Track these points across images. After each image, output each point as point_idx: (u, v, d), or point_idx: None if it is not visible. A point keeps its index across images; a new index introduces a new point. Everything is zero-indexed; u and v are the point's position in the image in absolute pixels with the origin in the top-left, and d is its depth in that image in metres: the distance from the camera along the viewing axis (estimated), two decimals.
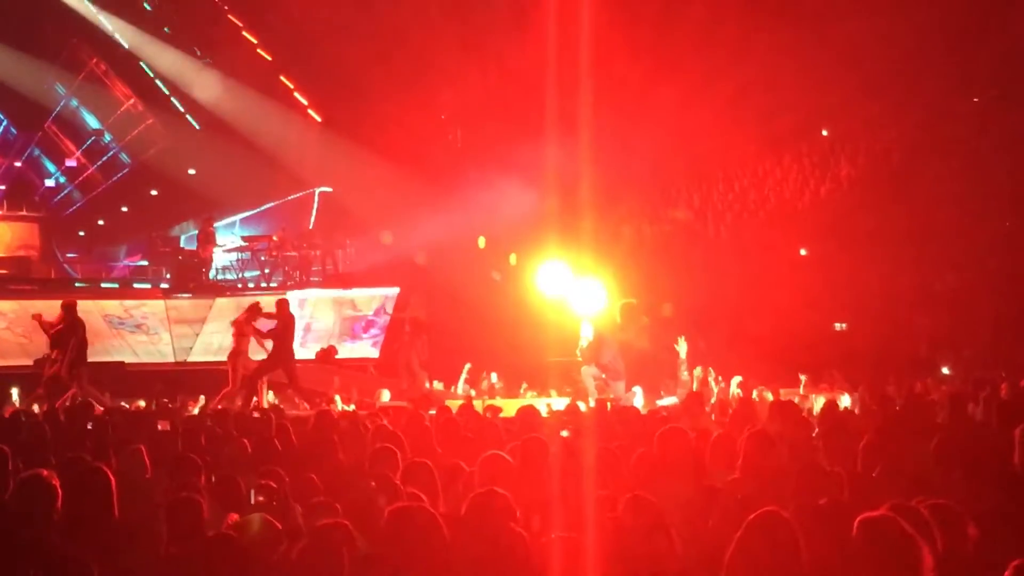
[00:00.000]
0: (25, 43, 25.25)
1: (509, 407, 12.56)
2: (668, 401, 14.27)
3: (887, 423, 9.03)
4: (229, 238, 25.77)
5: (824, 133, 25.09)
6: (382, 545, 4.79)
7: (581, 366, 15.52)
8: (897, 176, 23.05)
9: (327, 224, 25.78)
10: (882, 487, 6.07)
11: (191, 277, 22.82)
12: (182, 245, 25.25)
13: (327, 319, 21.64)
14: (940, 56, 21.53)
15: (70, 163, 28.82)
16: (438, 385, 18.90)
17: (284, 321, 16.68)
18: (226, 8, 25.55)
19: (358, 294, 21.93)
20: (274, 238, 24.05)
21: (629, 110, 21.94)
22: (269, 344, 16.68)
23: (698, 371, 14.97)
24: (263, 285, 22.89)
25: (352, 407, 15.25)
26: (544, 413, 11.08)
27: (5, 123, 28.20)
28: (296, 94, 26.84)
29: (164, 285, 22.98)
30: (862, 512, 4.13)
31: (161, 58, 26.16)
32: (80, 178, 28.93)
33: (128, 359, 20.45)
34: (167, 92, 26.96)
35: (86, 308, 17.73)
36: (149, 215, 27.57)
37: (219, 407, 15.11)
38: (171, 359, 20.98)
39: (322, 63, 24.74)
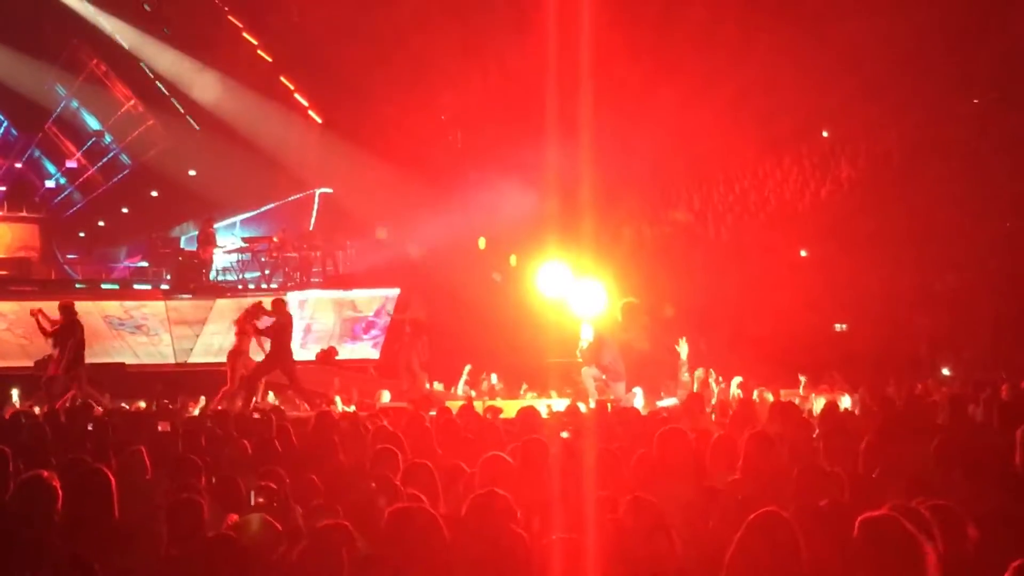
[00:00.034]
0: (26, 44, 25.26)
1: (509, 408, 12.56)
2: (668, 402, 14.26)
3: (887, 424, 9.02)
4: (229, 239, 25.77)
5: (824, 134, 25.08)
6: (382, 546, 4.79)
7: (581, 367, 15.52)
8: (897, 177, 23.05)
9: (327, 225, 25.77)
10: (882, 488, 6.07)
11: (191, 278, 22.81)
12: (182, 246, 25.25)
13: (327, 320, 21.64)
14: (940, 57, 21.53)
15: (70, 164, 28.82)
16: (438, 386, 18.90)
17: (281, 320, 16.68)
18: (226, 9, 25.55)
19: (358, 295, 21.93)
20: (274, 239, 24.04)
21: (629, 111, 21.93)
22: (268, 344, 16.69)
23: (699, 372, 14.97)
24: (263, 286, 22.88)
25: (352, 408, 15.24)
26: (544, 414, 11.08)
27: (5, 124, 28.21)
28: (296, 95, 26.84)
29: (164, 286, 22.97)
30: (862, 513, 4.12)
31: (161, 59, 26.16)
32: (80, 179, 28.92)
33: (128, 360, 20.46)
34: (167, 93, 26.96)
35: (86, 309, 17.77)
36: (149, 216, 27.57)
37: (219, 408, 15.13)
38: (171, 360, 20.98)
39: (323, 64, 24.75)
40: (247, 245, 24.75)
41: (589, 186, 19.62)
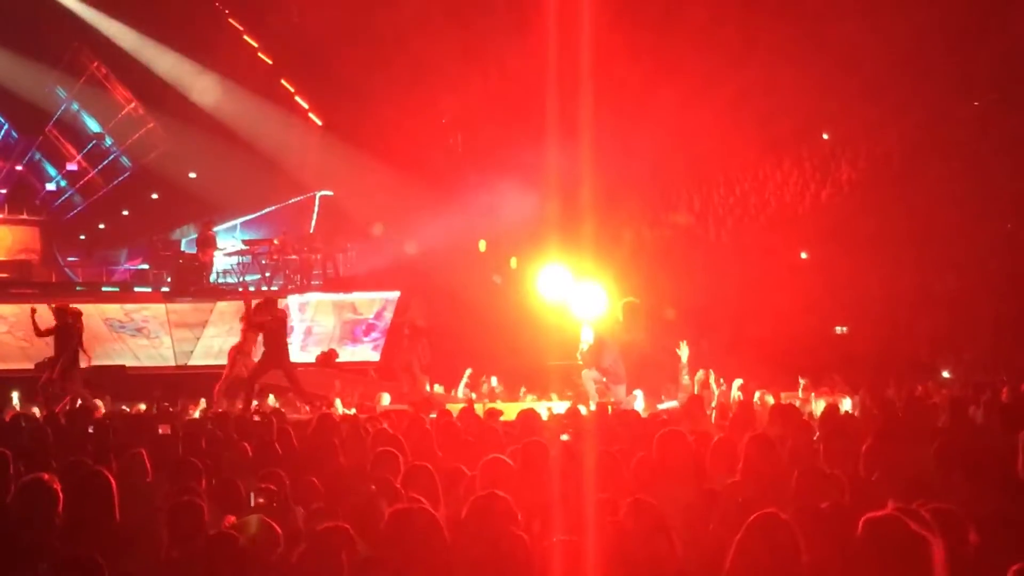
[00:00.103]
0: (26, 47, 25.28)
1: (510, 411, 12.56)
2: (669, 405, 14.26)
3: (888, 426, 9.02)
4: (230, 242, 25.79)
5: (825, 136, 25.08)
6: (382, 547, 4.79)
7: (582, 370, 15.51)
8: (898, 179, 23.05)
9: (328, 228, 25.78)
10: (883, 490, 6.07)
11: (192, 281, 22.81)
12: (183, 249, 25.25)
13: (328, 323, 21.64)
14: (940, 59, 21.53)
15: (71, 167, 28.84)
16: (439, 389, 18.91)
17: (276, 321, 16.67)
18: (227, 12, 25.56)
19: (359, 298, 21.93)
20: (275, 242, 24.06)
21: (629, 113, 21.94)
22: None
23: (699, 374, 14.96)
24: (264, 289, 22.88)
25: (353, 411, 15.24)
26: (545, 417, 11.08)
27: (6, 127, 28.23)
28: (297, 98, 26.86)
29: (165, 289, 22.99)
30: (863, 515, 4.12)
31: (162, 61, 26.17)
32: (81, 182, 28.95)
33: (129, 363, 20.46)
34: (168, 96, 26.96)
35: (87, 312, 17.76)
36: (150, 219, 27.60)
37: (218, 410, 15.13)
38: (172, 363, 20.99)
39: (323, 67, 24.77)
40: (247, 248, 24.77)
41: (589, 188, 19.63)
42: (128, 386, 18.34)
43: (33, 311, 17.25)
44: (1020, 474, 6.50)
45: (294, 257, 23.86)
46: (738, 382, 14.27)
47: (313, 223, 26.53)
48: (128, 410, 15.93)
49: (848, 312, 22.20)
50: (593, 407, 13.68)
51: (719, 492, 6.04)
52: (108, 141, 28.27)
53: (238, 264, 24.59)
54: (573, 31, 18.03)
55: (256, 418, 12.43)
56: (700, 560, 4.93)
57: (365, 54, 23.21)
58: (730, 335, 19.65)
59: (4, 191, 28.00)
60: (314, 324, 21.49)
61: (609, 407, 13.51)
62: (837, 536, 4.42)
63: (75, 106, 27.80)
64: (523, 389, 18.77)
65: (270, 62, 26.11)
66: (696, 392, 13.73)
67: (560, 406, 14.26)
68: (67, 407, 14.88)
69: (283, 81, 26.55)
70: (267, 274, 23.82)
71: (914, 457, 6.94)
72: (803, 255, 23.64)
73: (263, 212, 27.22)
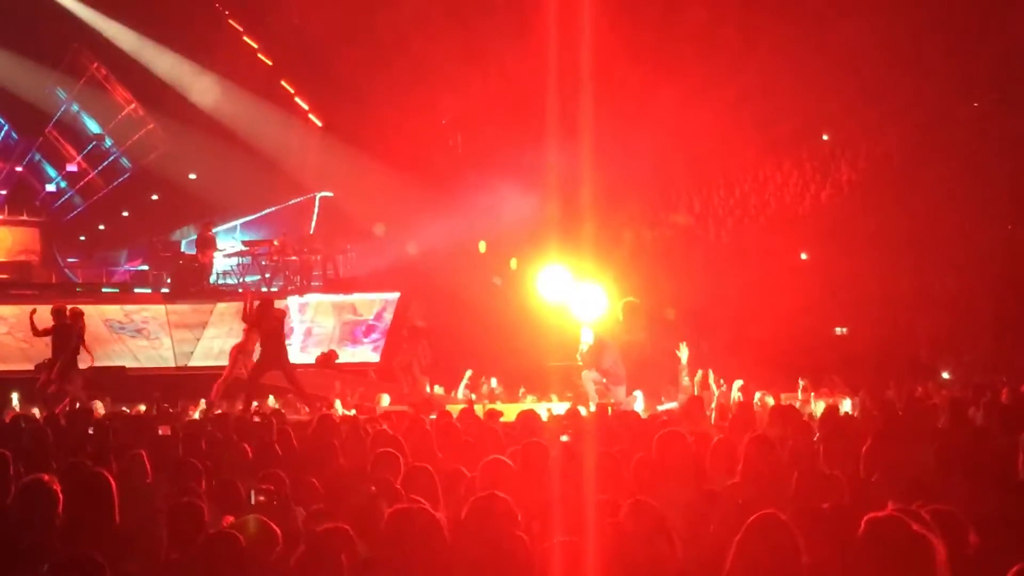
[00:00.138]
0: (26, 48, 25.27)
1: (510, 411, 12.57)
2: (669, 406, 14.26)
3: (888, 427, 9.03)
4: (230, 242, 25.78)
5: (824, 138, 25.10)
6: (382, 547, 4.79)
7: (582, 371, 15.52)
8: (897, 180, 23.06)
9: (328, 229, 25.77)
10: (883, 491, 6.07)
11: (192, 282, 22.80)
12: (183, 250, 25.23)
13: (327, 324, 21.65)
14: (940, 60, 21.54)
15: (71, 168, 28.83)
16: (439, 390, 18.91)
17: (274, 320, 16.67)
18: (227, 13, 25.56)
19: (359, 298, 21.93)
20: (275, 243, 24.05)
21: (630, 114, 21.94)
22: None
23: (699, 375, 14.96)
24: (264, 290, 22.89)
25: (353, 412, 15.25)
26: (544, 418, 11.08)
27: (6, 128, 28.22)
28: (297, 99, 26.85)
29: (165, 290, 22.98)
30: (863, 516, 4.12)
31: (161, 62, 26.17)
32: (81, 183, 28.92)
33: (129, 364, 20.43)
34: (168, 97, 26.96)
35: (87, 313, 17.75)
36: (150, 220, 27.59)
37: (217, 411, 15.13)
38: (172, 364, 20.98)
39: (323, 68, 24.76)
40: (247, 249, 24.76)
41: (589, 189, 19.64)
42: (128, 387, 18.32)
43: (33, 312, 17.29)
44: (1020, 475, 6.50)
45: (294, 258, 23.86)
46: (738, 383, 14.27)
47: (313, 224, 26.53)
48: (128, 411, 15.92)
49: (848, 313, 22.20)
50: (593, 408, 13.69)
51: (719, 493, 6.04)
52: (108, 142, 28.26)
53: (238, 265, 24.58)
54: (573, 32, 18.05)
55: (256, 419, 12.43)
56: (700, 561, 4.93)
57: (365, 55, 23.21)
58: (730, 336, 19.66)
59: (4, 192, 27.99)
60: (314, 325, 21.49)
61: (609, 408, 13.52)
62: (837, 537, 4.42)
63: (75, 107, 27.79)
64: (522, 389, 18.78)
65: (270, 63, 26.11)
66: (696, 393, 13.74)
67: (560, 407, 14.26)
68: (67, 408, 14.88)
69: (283, 82, 26.54)
70: (267, 275, 23.81)
71: (914, 458, 6.95)
72: (803, 256, 23.65)
73: (263, 213, 27.21)
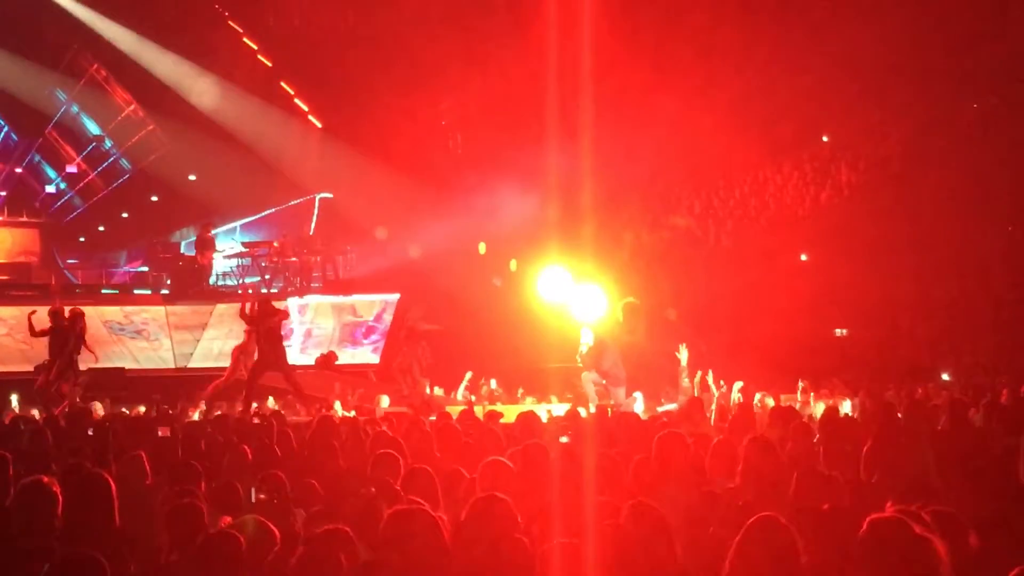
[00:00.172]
0: (26, 49, 25.26)
1: (510, 413, 12.56)
2: (669, 407, 14.25)
3: (887, 429, 9.03)
4: (229, 244, 25.78)
5: (824, 139, 25.11)
6: (382, 549, 4.79)
7: (581, 372, 15.51)
8: (897, 182, 23.07)
9: (328, 230, 25.77)
10: (883, 492, 6.07)
11: (191, 283, 22.80)
12: (182, 251, 25.23)
13: (327, 325, 21.65)
14: (940, 62, 21.55)
15: (71, 169, 28.82)
16: (439, 391, 18.91)
17: (271, 321, 16.67)
18: (227, 14, 25.56)
19: (359, 300, 21.94)
20: (275, 244, 24.03)
21: (630, 116, 21.95)
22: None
23: (699, 376, 14.95)
24: (264, 291, 22.88)
25: (352, 413, 15.25)
26: (544, 419, 11.08)
27: (6, 129, 28.22)
28: (296, 100, 26.84)
29: (164, 291, 22.98)
30: (863, 518, 4.12)
31: (161, 64, 26.16)
32: (81, 184, 28.92)
33: (128, 365, 20.43)
34: (168, 99, 26.96)
35: (87, 314, 17.74)
36: (150, 221, 27.59)
37: (216, 412, 15.13)
38: (171, 365, 20.98)
39: (323, 69, 24.76)
40: (247, 250, 24.76)
41: (589, 190, 19.64)
42: (127, 389, 18.34)
43: (32, 313, 17.29)
44: (1021, 477, 6.51)
45: (294, 259, 23.85)
46: (738, 384, 14.26)
47: (313, 225, 26.52)
48: (127, 413, 15.92)
49: (848, 314, 22.21)
50: (593, 409, 13.68)
51: (719, 494, 6.03)
52: (108, 143, 28.25)
53: (238, 266, 24.58)
54: (572, 34, 18.04)
55: (256, 421, 12.43)
56: (700, 563, 4.93)
57: (365, 56, 23.21)
58: (730, 337, 19.63)
59: (4, 193, 27.99)
60: (314, 326, 21.49)
61: (609, 409, 13.51)
62: (837, 538, 4.42)
63: (75, 108, 27.78)
64: (520, 390, 18.78)
65: (270, 64, 26.10)
66: (696, 394, 13.73)
67: (560, 408, 14.25)
68: (66, 410, 14.87)
69: (283, 83, 26.53)
70: (267, 276, 23.81)
71: (914, 459, 6.95)
72: (803, 257, 23.66)
73: (263, 214, 27.22)
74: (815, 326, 21.37)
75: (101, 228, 29.29)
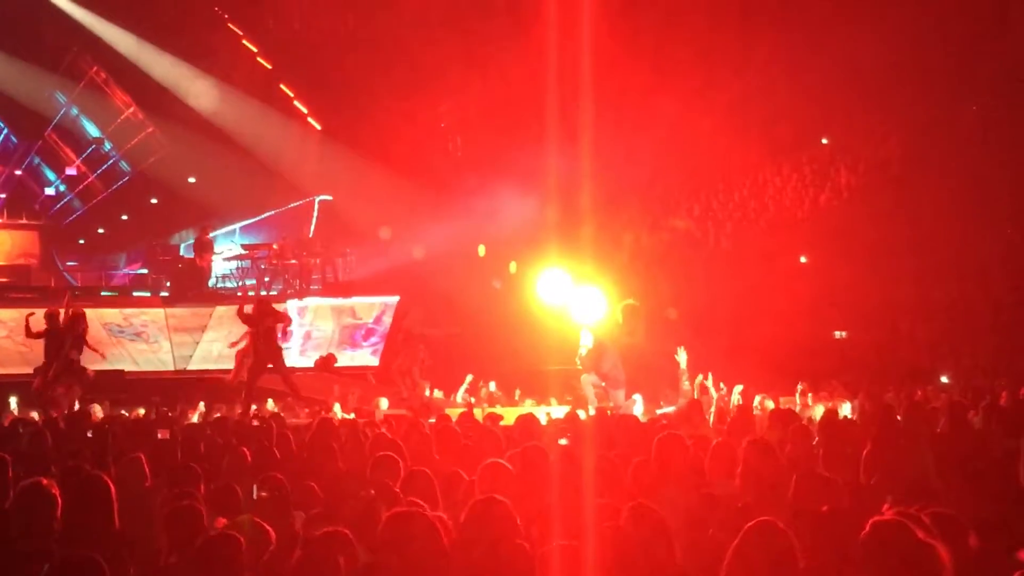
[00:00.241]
0: (26, 51, 25.27)
1: (509, 415, 12.55)
2: (668, 409, 14.24)
3: (887, 431, 9.03)
4: (229, 246, 25.78)
5: (824, 142, 25.12)
6: (381, 551, 4.78)
7: (581, 374, 15.49)
8: (897, 184, 23.08)
9: (327, 232, 25.78)
10: (882, 495, 6.07)
11: (191, 285, 22.79)
12: (182, 253, 25.23)
13: (327, 327, 21.64)
14: (940, 65, 21.56)
15: (70, 171, 28.85)
16: (438, 394, 18.90)
17: (269, 322, 16.67)
18: (226, 17, 25.57)
19: (358, 302, 21.93)
20: (274, 246, 24.05)
21: (629, 118, 21.96)
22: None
23: (699, 379, 14.94)
24: (263, 293, 22.88)
25: (352, 415, 15.25)
26: (544, 421, 11.07)
27: (5, 131, 28.23)
28: (296, 102, 26.85)
29: (164, 293, 22.98)
30: (863, 520, 4.11)
31: (160, 66, 26.17)
32: (80, 186, 28.94)
33: (128, 367, 20.43)
34: (167, 101, 26.97)
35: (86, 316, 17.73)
36: (149, 223, 27.60)
37: (217, 415, 15.13)
38: (171, 367, 20.97)
39: (322, 72, 24.77)
40: (247, 252, 24.77)
41: (589, 193, 19.64)
42: (127, 391, 18.33)
43: (30, 314, 17.25)
44: (1021, 479, 6.51)
45: (293, 261, 23.86)
46: (738, 387, 14.26)
47: (312, 227, 26.53)
48: (127, 415, 15.91)
49: (847, 317, 22.22)
50: (592, 411, 13.67)
51: (718, 497, 6.03)
52: (107, 146, 28.26)
53: (237, 268, 24.59)
54: (572, 36, 18.04)
55: (255, 423, 12.43)
56: (700, 565, 4.93)
57: (364, 59, 23.23)
58: (729, 339, 19.64)
59: (3, 196, 28.00)
60: (313, 328, 21.48)
61: (608, 411, 13.50)
62: (836, 540, 4.42)
63: (74, 111, 27.79)
64: (518, 392, 18.78)
65: (269, 67, 26.11)
66: (695, 397, 13.72)
67: (559, 411, 14.25)
68: (65, 412, 14.86)
69: (282, 86, 26.54)
70: (266, 279, 23.82)
71: (913, 462, 6.95)
72: (802, 260, 23.66)
73: (262, 216, 27.23)
74: (814, 328, 21.38)
75: (100, 230, 29.31)
